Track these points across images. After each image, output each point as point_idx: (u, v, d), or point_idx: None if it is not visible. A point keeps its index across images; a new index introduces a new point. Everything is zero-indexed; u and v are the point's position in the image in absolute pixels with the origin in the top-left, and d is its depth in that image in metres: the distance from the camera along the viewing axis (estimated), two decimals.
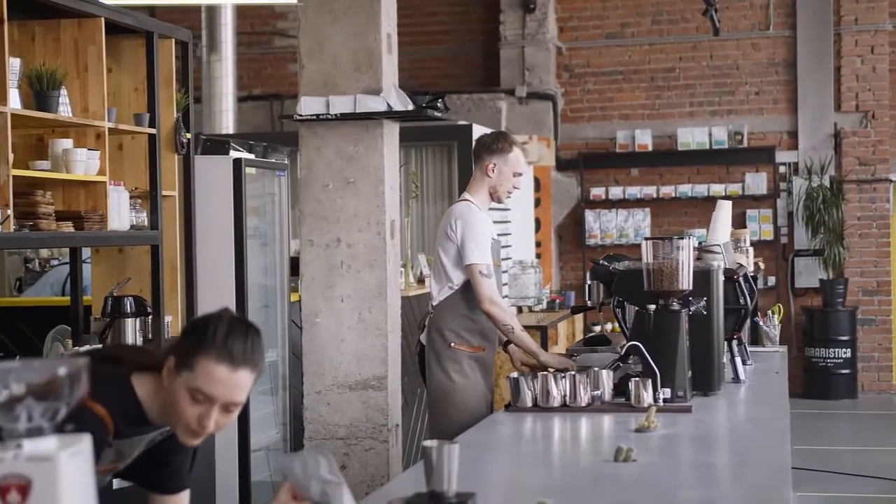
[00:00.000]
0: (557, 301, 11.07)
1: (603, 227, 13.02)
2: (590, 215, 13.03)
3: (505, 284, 9.83)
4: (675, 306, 4.48)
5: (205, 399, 2.63)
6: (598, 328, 11.83)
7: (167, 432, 2.82)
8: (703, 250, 5.23)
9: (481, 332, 5.27)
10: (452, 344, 5.24)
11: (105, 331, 5.50)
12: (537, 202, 12.42)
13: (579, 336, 10.42)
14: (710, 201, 12.61)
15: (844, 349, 12.32)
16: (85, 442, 1.84)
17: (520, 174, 5.39)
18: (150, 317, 5.68)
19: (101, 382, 2.66)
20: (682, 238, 4.50)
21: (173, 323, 5.96)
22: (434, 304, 5.34)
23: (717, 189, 12.67)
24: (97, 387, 2.64)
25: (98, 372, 2.70)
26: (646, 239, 4.55)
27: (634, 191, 12.94)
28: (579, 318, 11.30)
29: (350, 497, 2.67)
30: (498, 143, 5.37)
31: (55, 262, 8.37)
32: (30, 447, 1.79)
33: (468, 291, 5.21)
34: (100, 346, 5.29)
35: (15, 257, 8.98)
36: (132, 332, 5.55)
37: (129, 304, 5.54)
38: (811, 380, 12.42)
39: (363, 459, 5.69)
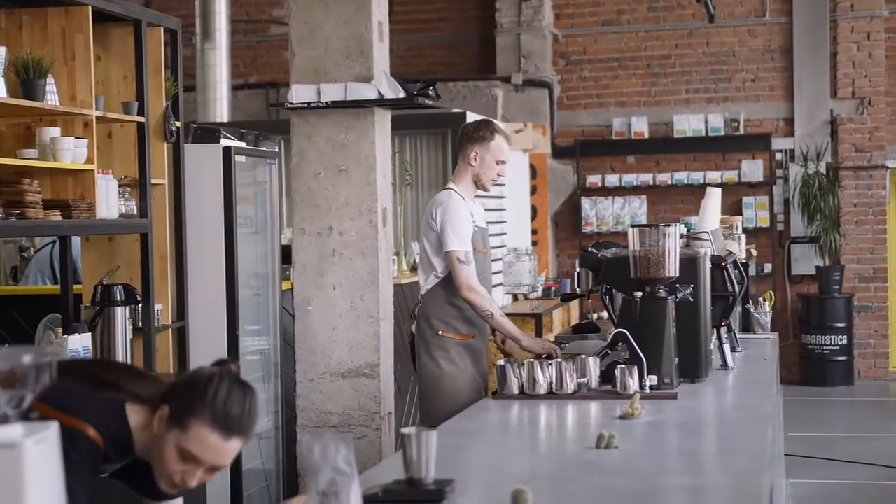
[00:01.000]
0: (553, 289, 11.07)
1: (599, 214, 13.02)
2: (586, 203, 13.02)
3: (499, 272, 9.85)
4: (662, 293, 4.48)
5: (192, 460, 2.62)
6: (594, 316, 11.84)
7: None
8: (691, 237, 5.23)
9: (469, 319, 5.28)
10: (440, 332, 5.26)
11: (95, 319, 5.50)
12: (533, 190, 12.42)
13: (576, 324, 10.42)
14: (705, 189, 12.59)
15: (841, 336, 12.32)
16: (51, 429, 1.84)
17: (503, 162, 5.38)
18: (139, 305, 5.68)
19: (98, 407, 2.67)
20: (669, 225, 4.50)
21: (163, 311, 5.96)
22: (421, 293, 5.36)
23: (714, 176, 12.66)
24: (93, 410, 2.65)
25: (95, 396, 2.69)
26: (632, 226, 4.55)
27: (631, 178, 12.93)
28: (575, 305, 11.31)
29: (358, 491, 2.68)
30: (479, 131, 5.38)
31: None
32: None
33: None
34: (96, 357, 5.24)
35: (11, 246, 8.97)
36: (121, 320, 5.55)
37: (118, 293, 5.53)
38: (807, 367, 12.42)
39: (356, 447, 5.66)
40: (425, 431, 2.79)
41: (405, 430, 2.79)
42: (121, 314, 5.55)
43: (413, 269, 8.06)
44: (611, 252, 4.86)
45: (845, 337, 12.33)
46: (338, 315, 5.71)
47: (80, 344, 5.20)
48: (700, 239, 5.13)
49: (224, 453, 2.63)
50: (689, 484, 3.02)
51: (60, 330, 5.53)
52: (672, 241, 4.46)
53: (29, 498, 1.77)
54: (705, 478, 3.06)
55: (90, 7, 5.30)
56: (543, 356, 4.92)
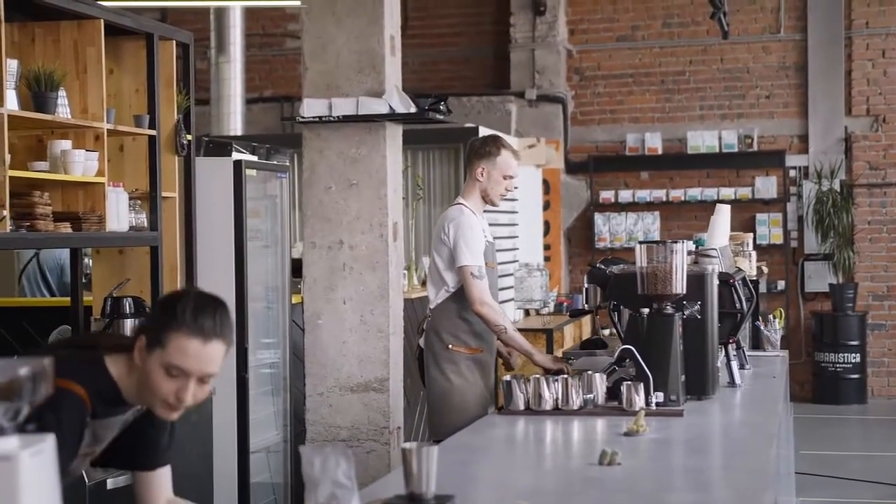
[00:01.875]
0: (565, 304, 11.06)
1: (612, 230, 13.01)
2: (599, 218, 13.02)
3: (510, 288, 9.85)
4: (669, 310, 4.47)
5: (180, 373, 2.72)
6: (605, 332, 11.81)
7: (140, 410, 2.89)
8: (699, 254, 5.22)
9: (478, 333, 5.30)
10: (450, 346, 5.28)
11: (104, 331, 5.52)
12: (546, 205, 12.42)
13: None
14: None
15: (854, 354, 12.28)
16: (47, 442, 1.85)
17: (510, 177, 5.40)
18: None
19: (78, 365, 2.77)
20: (676, 242, 4.49)
21: None
22: (431, 307, 5.38)
23: (727, 193, 12.64)
24: (74, 369, 2.75)
25: (74, 355, 2.78)
26: (640, 243, 4.55)
27: (644, 194, 12.93)
28: (587, 321, 11.29)
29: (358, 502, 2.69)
30: (486, 146, 5.41)
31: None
32: None
33: (464, 294, 5.24)
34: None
35: (22, 258, 9.00)
36: (131, 333, 5.57)
37: (128, 305, 5.55)
38: (820, 384, 12.38)
39: (364, 461, 5.69)
40: (426, 446, 2.79)
41: (406, 445, 2.79)
42: (130, 327, 5.57)
43: (424, 283, 8.07)
44: (618, 268, 4.86)
45: (859, 355, 12.29)
46: (348, 329, 5.72)
47: None
48: (708, 256, 5.13)
49: (207, 359, 2.72)
50: (692, 501, 3.02)
51: None
52: (679, 258, 4.45)
53: None
54: (708, 495, 3.05)
55: (102, 21, 5.33)
56: (552, 371, 4.93)
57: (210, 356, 2.73)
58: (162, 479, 3.05)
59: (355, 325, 5.81)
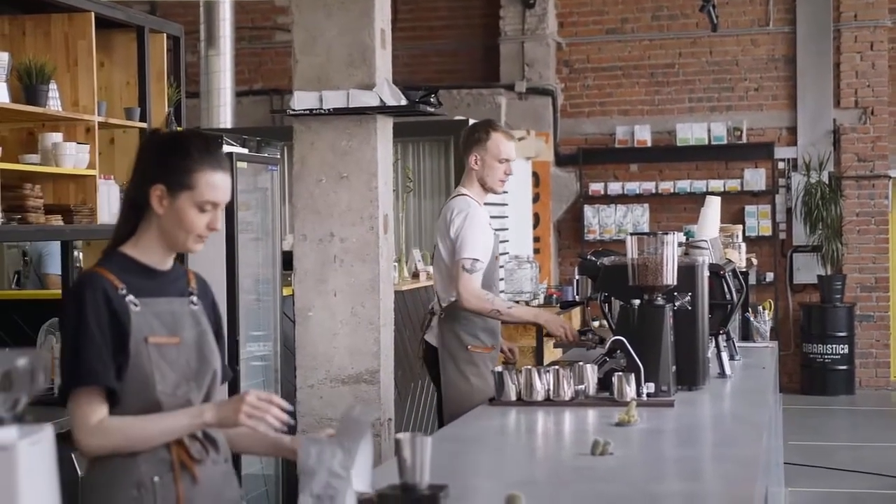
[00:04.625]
0: (555, 296, 11.07)
1: (602, 222, 13.04)
2: (589, 211, 13.04)
3: (500, 280, 9.86)
4: (660, 301, 4.49)
5: (211, 207, 2.87)
6: (595, 324, 11.83)
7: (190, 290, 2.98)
8: (690, 246, 5.24)
9: (492, 329, 5.29)
10: (469, 347, 5.24)
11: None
12: (536, 197, 12.44)
13: None
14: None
15: (842, 345, 12.33)
16: (46, 431, 1.86)
17: (505, 160, 5.32)
18: None
19: (98, 262, 2.91)
20: (667, 233, 4.51)
21: None
22: (443, 304, 5.32)
23: (716, 185, 12.67)
24: (97, 262, 2.90)
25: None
26: (630, 234, 4.56)
27: (633, 186, 12.95)
28: (577, 313, 11.31)
29: (353, 495, 2.71)
30: (475, 133, 5.37)
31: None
32: None
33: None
34: None
35: (14, 251, 9.00)
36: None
37: None
38: (809, 376, 12.43)
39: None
40: (419, 437, 2.80)
41: (399, 436, 2.81)
42: None
43: (415, 275, 8.08)
44: (609, 260, 4.87)
45: (847, 346, 12.34)
46: (339, 321, 5.72)
47: None
48: (699, 247, 5.14)
49: (228, 187, 2.91)
50: (683, 490, 3.04)
51: None
52: (670, 250, 4.47)
53: (23, 499, 1.79)
54: (699, 485, 3.07)
55: (93, 14, 5.33)
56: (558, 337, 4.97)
57: (229, 184, 2.90)
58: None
59: (346, 317, 5.81)
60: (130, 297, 2.82)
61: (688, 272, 4.63)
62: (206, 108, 10.82)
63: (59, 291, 5.84)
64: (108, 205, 5.37)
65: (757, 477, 3.05)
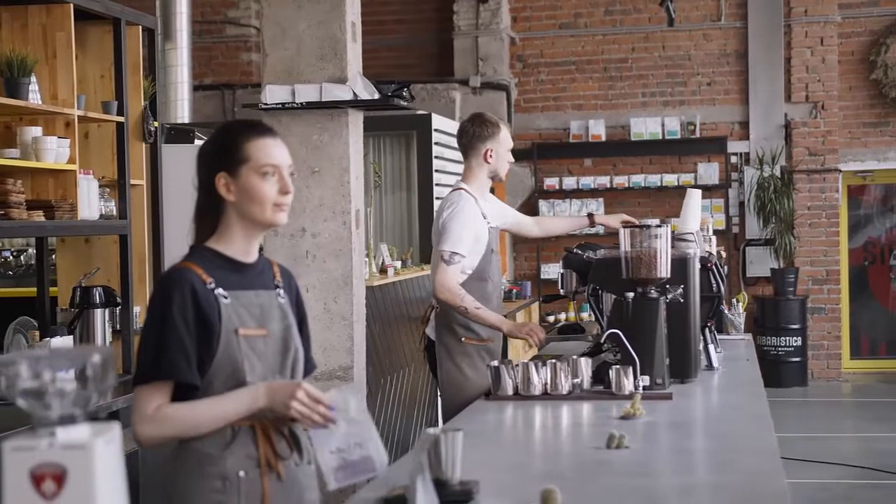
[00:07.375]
0: (514, 291, 11.10)
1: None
2: (544, 205, 13.07)
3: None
4: (654, 294, 4.50)
5: (274, 170, 2.88)
6: (562, 316, 11.89)
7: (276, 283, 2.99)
8: (676, 238, 5.26)
9: None
10: (463, 339, 5.24)
11: (74, 321, 5.43)
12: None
13: None
14: (662, 191, 12.71)
15: (795, 337, 12.46)
16: (115, 430, 1.82)
17: (511, 148, 5.51)
18: (118, 307, 5.61)
19: (185, 257, 2.92)
20: (660, 226, 4.52)
21: (142, 314, 5.90)
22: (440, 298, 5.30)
23: (670, 179, 12.75)
24: (183, 261, 2.90)
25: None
26: (624, 226, 4.56)
27: (588, 181, 12.99)
28: (535, 307, 11.35)
29: (377, 435, 2.72)
30: (487, 128, 5.40)
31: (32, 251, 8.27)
32: (63, 435, 1.77)
33: (474, 282, 5.20)
34: None
35: None
36: (101, 322, 5.48)
37: (98, 295, 5.47)
38: (762, 368, 12.37)
39: None
40: (452, 432, 2.78)
41: (431, 430, 2.78)
42: (100, 317, 5.49)
43: (383, 271, 8.04)
44: (600, 253, 4.87)
45: (800, 338, 12.48)
46: (312, 317, 5.60)
47: (63, 346, 5.13)
48: (685, 240, 5.16)
49: (283, 149, 2.93)
50: (711, 482, 3.04)
51: (37, 333, 5.45)
52: (664, 242, 4.48)
53: (99, 496, 1.75)
54: (725, 478, 3.06)
55: (72, 5, 5.23)
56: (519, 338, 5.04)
57: (283, 148, 2.93)
58: None
59: (319, 313, 5.78)
60: (220, 290, 2.84)
61: (680, 265, 4.64)
62: (163, 103, 10.67)
63: (34, 290, 5.73)
64: (88, 200, 5.28)
65: (779, 468, 3.06)
